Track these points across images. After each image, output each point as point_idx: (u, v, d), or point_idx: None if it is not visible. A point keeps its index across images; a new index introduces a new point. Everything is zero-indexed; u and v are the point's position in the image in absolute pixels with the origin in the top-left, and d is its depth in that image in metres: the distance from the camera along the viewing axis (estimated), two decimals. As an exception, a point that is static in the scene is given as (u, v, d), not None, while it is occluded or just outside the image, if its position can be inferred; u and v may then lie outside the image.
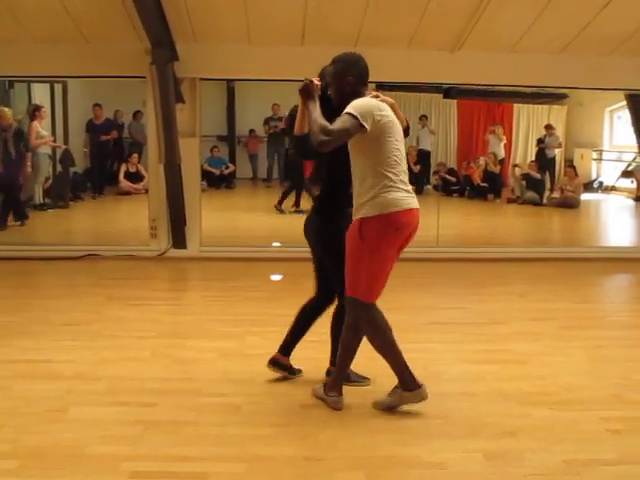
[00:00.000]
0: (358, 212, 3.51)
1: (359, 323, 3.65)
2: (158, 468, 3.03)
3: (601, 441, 3.36)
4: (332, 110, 3.49)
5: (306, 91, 3.53)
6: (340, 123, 3.38)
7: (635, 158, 13.59)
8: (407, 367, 3.64)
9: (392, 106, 3.62)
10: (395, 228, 3.48)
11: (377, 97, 3.59)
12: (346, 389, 3.81)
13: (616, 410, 3.74)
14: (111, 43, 6.97)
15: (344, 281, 3.61)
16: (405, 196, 3.49)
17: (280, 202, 11.09)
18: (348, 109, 3.42)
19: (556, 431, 3.45)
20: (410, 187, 3.57)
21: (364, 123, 3.39)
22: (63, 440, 3.26)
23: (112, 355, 4.47)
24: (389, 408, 3.65)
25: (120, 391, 3.87)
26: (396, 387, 3.68)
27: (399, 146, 3.53)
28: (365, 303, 3.58)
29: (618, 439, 3.39)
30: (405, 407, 3.68)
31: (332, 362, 3.99)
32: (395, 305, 5.77)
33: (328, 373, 4.01)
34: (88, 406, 3.67)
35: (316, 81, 3.62)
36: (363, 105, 3.46)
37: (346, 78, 3.61)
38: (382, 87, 14.38)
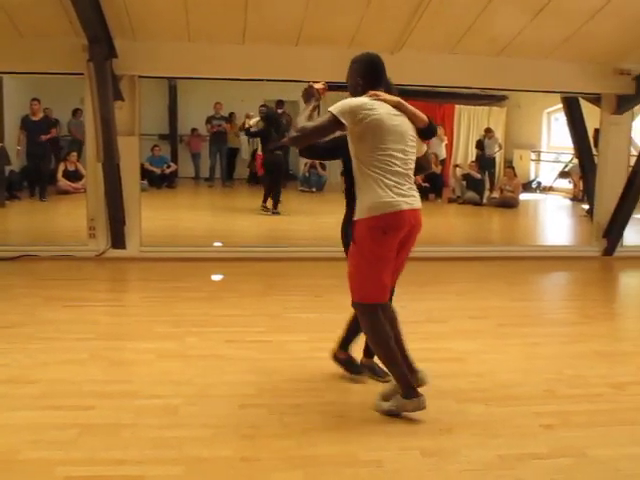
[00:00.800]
0: (354, 215, 3.54)
1: (362, 328, 3.72)
2: (93, 472, 2.98)
3: (534, 436, 3.44)
4: None
5: (305, 94, 3.66)
6: (317, 121, 3.45)
7: (572, 159, 13.94)
8: (406, 375, 3.60)
9: (398, 106, 3.55)
10: (382, 231, 3.44)
11: (375, 96, 3.53)
12: (287, 389, 3.82)
13: (549, 405, 3.84)
14: (47, 38, 6.78)
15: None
16: (393, 197, 3.42)
17: (264, 201, 11.14)
18: (330, 107, 3.45)
19: (491, 427, 3.51)
20: (407, 187, 3.49)
21: (342, 119, 3.40)
22: (-5, 446, 3.19)
23: (48, 358, 4.37)
24: (388, 413, 3.59)
25: (56, 395, 3.79)
26: (397, 392, 3.62)
27: (392, 145, 3.45)
28: (366, 306, 3.61)
29: (550, 433, 3.48)
30: (341, 407, 3.70)
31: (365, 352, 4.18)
32: (335, 304, 5.84)
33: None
34: (21, 410, 3.57)
35: (318, 85, 3.69)
36: (346, 103, 3.48)
37: (356, 79, 3.63)
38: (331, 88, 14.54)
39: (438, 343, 4.86)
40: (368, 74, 3.62)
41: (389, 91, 3.65)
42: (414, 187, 3.57)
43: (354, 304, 3.69)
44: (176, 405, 3.68)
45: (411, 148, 3.55)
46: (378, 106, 3.48)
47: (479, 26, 6.97)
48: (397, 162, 3.47)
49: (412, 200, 3.51)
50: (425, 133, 3.68)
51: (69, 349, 4.57)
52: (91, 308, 5.63)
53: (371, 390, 3.92)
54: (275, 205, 11.08)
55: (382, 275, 3.57)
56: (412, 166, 3.56)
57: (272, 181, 11.24)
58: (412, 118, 3.57)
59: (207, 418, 3.52)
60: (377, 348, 3.69)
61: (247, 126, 12.68)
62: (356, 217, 3.52)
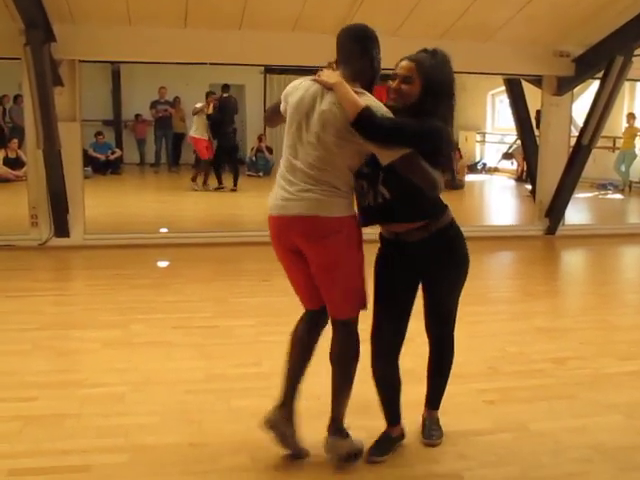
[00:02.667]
0: None
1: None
2: (38, 464, 2.95)
3: (477, 412, 3.53)
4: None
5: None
6: None
7: (516, 140, 14.17)
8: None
9: (335, 89, 2.84)
10: (270, 235, 3.05)
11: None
12: (234, 374, 3.83)
13: (492, 382, 3.93)
14: (-19, 22, 6.60)
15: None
16: (272, 198, 2.96)
17: (195, 179, 12.30)
18: None
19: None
20: (296, 188, 2.85)
21: (281, 104, 3.05)
22: None
23: (-12, 350, 4.30)
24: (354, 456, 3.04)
25: (-3, 387, 3.73)
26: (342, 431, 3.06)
27: (295, 135, 2.89)
28: None
29: (493, 409, 3.57)
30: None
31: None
32: (282, 288, 5.77)
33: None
34: (-38, 404, 3.52)
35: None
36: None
37: None
38: (271, 71, 14.48)
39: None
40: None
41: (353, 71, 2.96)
42: (312, 187, 2.83)
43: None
44: (122, 393, 3.67)
45: (314, 138, 2.84)
46: (299, 88, 2.96)
47: (421, 9, 7.02)
48: (290, 155, 2.91)
49: (284, 203, 2.88)
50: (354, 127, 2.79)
51: (11, 340, 4.50)
52: (34, 298, 5.53)
53: (315, 372, 3.95)
54: (235, 183, 12.27)
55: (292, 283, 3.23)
56: (312, 161, 2.83)
57: (231, 162, 12.55)
58: (345, 105, 2.80)
59: (153, 405, 3.52)
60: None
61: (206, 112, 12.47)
62: None
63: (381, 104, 2.89)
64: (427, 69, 3.01)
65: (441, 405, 3.40)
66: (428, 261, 3.08)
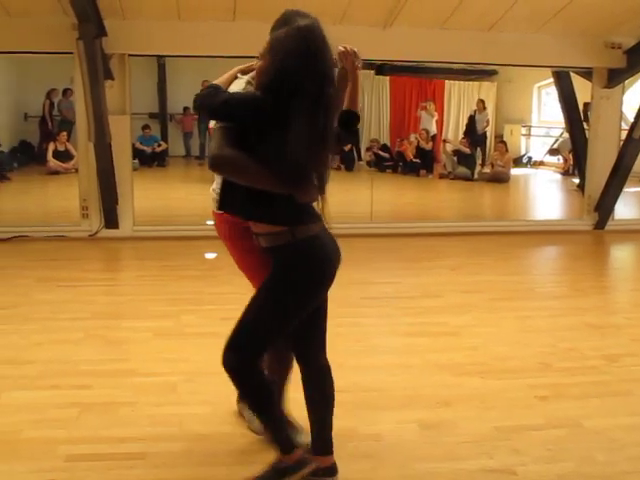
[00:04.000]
0: None
1: None
2: (95, 450, 3.00)
3: (529, 407, 3.49)
4: None
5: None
6: None
7: (562, 134, 13.95)
8: None
9: None
10: None
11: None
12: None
13: (543, 377, 3.88)
14: (36, 17, 6.71)
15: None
16: None
17: None
18: None
19: (487, 399, 3.56)
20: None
21: None
22: (-4, 426, 3.21)
23: (43, 338, 4.38)
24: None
25: (53, 374, 3.80)
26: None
27: None
28: None
29: (545, 405, 3.53)
30: (339, 381, 3.72)
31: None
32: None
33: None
34: (20, 390, 3.59)
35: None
36: None
37: None
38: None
39: (433, 317, 4.90)
40: None
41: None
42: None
43: None
44: (174, 383, 3.71)
45: None
46: None
47: (470, 1, 6.95)
48: None
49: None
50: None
51: (64, 329, 4.58)
52: (85, 288, 5.63)
53: (368, 365, 3.97)
54: None
55: None
56: None
57: None
58: None
59: (205, 395, 3.55)
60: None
61: None
62: None
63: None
64: (273, 42, 2.55)
65: (492, 399, 3.41)
66: None
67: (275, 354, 2.96)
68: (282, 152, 2.39)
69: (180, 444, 3.06)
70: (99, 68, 6.67)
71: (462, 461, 2.99)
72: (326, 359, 2.89)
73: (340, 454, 3.00)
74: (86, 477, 2.82)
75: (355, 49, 2.77)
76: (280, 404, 2.98)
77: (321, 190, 2.61)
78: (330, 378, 2.89)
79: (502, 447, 3.08)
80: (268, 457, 2.95)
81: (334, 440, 2.84)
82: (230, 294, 5.38)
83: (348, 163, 13.73)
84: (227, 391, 3.55)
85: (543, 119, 16.75)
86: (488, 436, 3.17)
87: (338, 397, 3.53)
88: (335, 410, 3.34)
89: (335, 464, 2.80)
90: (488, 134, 15.34)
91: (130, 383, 3.71)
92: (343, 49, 2.76)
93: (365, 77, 14.69)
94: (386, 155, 14.24)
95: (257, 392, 2.69)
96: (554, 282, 6.50)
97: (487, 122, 15.02)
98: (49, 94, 13.41)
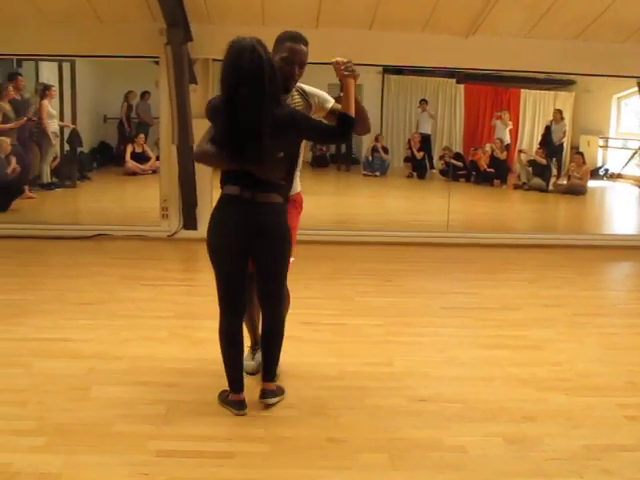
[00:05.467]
0: (296, 188, 3.67)
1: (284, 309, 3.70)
2: (184, 447, 3.07)
3: (619, 427, 3.40)
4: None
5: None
6: None
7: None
8: None
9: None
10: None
11: None
12: (366, 372, 3.88)
13: (632, 397, 3.78)
14: (125, 23, 6.92)
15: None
16: None
17: None
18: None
19: (574, 416, 3.49)
20: None
21: None
22: (88, 418, 3.30)
23: (130, 335, 4.50)
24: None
25: (141, 371, 3.90)
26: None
27: None
28: None
29: (635, 425, 3.43)
30: (423, 391, 3.72)
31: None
32: (406, 289, 5.89)
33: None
34: (110, 385, 3.70)
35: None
36: None
37: None
38: (389, 71, 14.48)
39: (514, 331, 4.82)
40: None
41: None
42: None
43: (285, 287, 3.65)
44: (257, 385, 3.74)
45: None
46: None
47: (556, 9, 6.83)
48: None
49: None
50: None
51: (149, 327, 4.70)
52: (167, 287, 5.77)
53: (450, 376, 3.95)
54: None
55: None
56: None
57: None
58: None
59: (290, 398, 3.58)
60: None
61: None
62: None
63: None
64: None
65: (578, 416, 3.36)
66: None
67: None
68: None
69: (267, 445, 3.10)
70: (185, 72, 6.83)
71: (551, 478, 2.93)
72: (279, 308, 3.56)
73: (426, 463, 3.01)
74: (176, 472, 2.88)
75: (344, 60, 3.28)
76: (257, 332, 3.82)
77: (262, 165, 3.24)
78: (279, 322, 3.57)
79: (592, 467, 3.01)
80: (355, 463, 2.98)
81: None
82: (308, 299, 5.45)
83: (420, 171, 13.66)
84: (310, 395, 3.62)
85: (621, 130, 16.33)
86: (577, 454, 3.11)
87: (421, 406, 3.56)
88: (419, 419, 3.35)
89: (275, 389, 3.54)
90: (564, 145, 15.03)
91: (215, 383, 3.74)
92: (335, 61, 3.28)
93: (440, 85, 14.64)
94: (459, 164, 14.10)
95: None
96: (635, 299, 6.31)
97: (564, 133, 14.72)
98: (126, 96, 13.74)
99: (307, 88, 3.63)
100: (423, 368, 4.05)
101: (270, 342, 3.55)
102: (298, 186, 3.70)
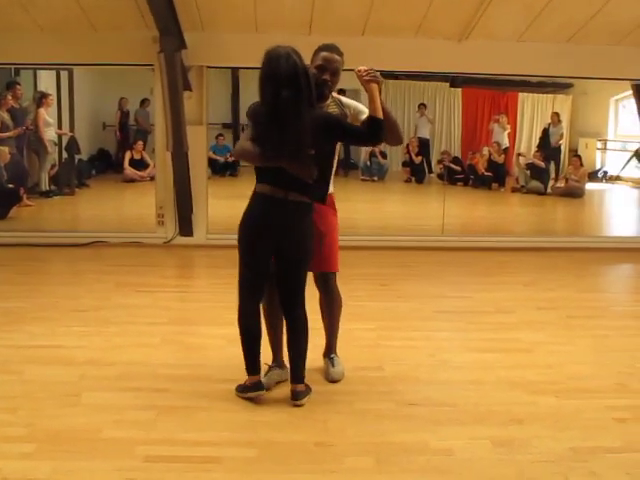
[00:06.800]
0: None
1: (335, 295, 3.96)
2: (172, 452, 3.08)
3: (607, 429, 3.41)
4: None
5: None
6: None
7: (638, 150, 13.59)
8: None
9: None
10: None
11: None
12: (356, 377, 3.90)
13: (621, 399, 3.79)
14: (119, 31, 6.97)
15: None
16: None
17: None
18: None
19: (562, 419, 3.50)
20: None
21: None
22: (78, 424, 3.32)
23: (123, 341, 4.52)
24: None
25: (132, 377, 3.92)
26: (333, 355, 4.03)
27: None
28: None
29: (624, 427, 3.44)
30: (412, 395, 3.73)
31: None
32: (400, 293, 5.90)
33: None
34: (101, 391, 3.72)
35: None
36: None
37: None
38: (387, 76, 14.52)
39: (506, 334, 4.84)
40: None
41: None
42: None
43: (332, 274, 3.93)
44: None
45: None
46: None
47: (548, 13, 6.86)
48: None
49: None
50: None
51: (142, 333, 4.71)
52: (162, 294, 5.79)
53: (440, 380, 3.96)
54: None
55: None
56: None
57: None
58: None
59: (278, 402, 3.61)
60: (340, 305, 4.01)
61: None
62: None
63: None
64: None
65: (567, 419, 3.38)
66: None
67: (269, 310, 3.83)
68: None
69: (255, 450, 3.11)
70: (179, 80, 6.87)
71: (535, 481, 2.95)
72: (300, 312, 3.68)
73: (412, 467, 3.02)
74: (164, 478, 2.90)
75: (365, 67, 3.51)
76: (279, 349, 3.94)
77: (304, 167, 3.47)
78: (304, 327, 3.68)
79: (579, 469, 3.02)
80: (341, 467, 2.99)
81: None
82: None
83: (418, 175, 13.69)
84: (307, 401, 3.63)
85: (620, 132, 16.33)
86: (564, 457, 3.11)
87: (410, 410, 3.58)
88: (407, 423, 3.37)
89: (304, 390, 3.64)
90: (562, 148, 15.05)
91: (206, 388, 3.79)
92: (357, 70, 3.51)
93: (438, 89, 14.67)
94: (457, 168, 14.12)
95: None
96: (631, 301, 6.34)
97: (561, 135, 14.75)
98: (119, 103, 13.80)
99: (344, 99, 3.84)
100: (413, 372, 4.07)
101: (297, 346, 3.69)
102: (331, 187, 3.91)
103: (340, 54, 3.67)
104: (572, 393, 3.83)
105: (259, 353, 3.70)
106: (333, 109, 3.75)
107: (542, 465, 3.05)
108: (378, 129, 3.48)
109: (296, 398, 3.61)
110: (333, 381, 3.89)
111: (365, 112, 3.64)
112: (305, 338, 3.67)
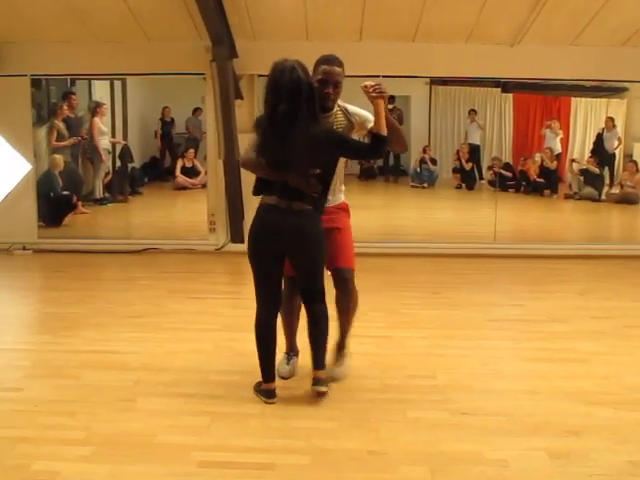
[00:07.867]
0: (340, 198, 3.98)
1: (352, 293, 3.98)
2: (226, 458, 3.11)
3: (668, 442, 3.32)
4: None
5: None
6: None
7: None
8: None
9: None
10: None
11: None
12: (409, 385, 3.88)
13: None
14: (172, 41, 7.09)
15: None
16: None
17: None
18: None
19: (621, 431, 3.42)
20: None
21: None
22: (133, 429, 3.38)
23: (176, 347, 4.59)
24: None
25: (186, 383, 3.97)
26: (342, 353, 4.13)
27: None
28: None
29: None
30: (466, 404, 3.69)
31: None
32: (452, 301, 5.85)
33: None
34: (156, 397, 3.77)
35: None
36: None
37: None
38: (436, 82, 14.44)
39: (561, 343, 4.75)
40: None
41: None
42: None
43: (351, 270, 3.95)
44: (300, 396, 3.78)
45: None
46: None
47: (603, 16, 6.73)
48: None
49: None
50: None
51: (195, 339, 4.78)
52: (214, 300, 5.85)
53: (494, 389, 3.91)
54: None
55: None
56: None
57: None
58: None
59: (333, 410, 3.61)
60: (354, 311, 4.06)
61: None
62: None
63: None
64: None
65: (626, 431, 3.32)
66: None
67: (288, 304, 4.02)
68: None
69: (307, 457, 3.11)
70: (230, 88, 6.94)
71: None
72: (321, 305, 3.79)
73: (466, 477, 2.99)
74: (217, 484, 2.93)
75: (371, 83, 3.55)
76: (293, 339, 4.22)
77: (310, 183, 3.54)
78: (324, 318, 3.79)
79: (640, 481, 2.95)
80: (395, 476, 2.97)
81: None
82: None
83: (469, 182, 13.56)
84: (353, 408, 3.63)
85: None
86: (622, 470, 3.04)
87: (464, 419, 3.54)
88: (461, 433, 3.34)
89: (326, 377, 3.79)
90: (617, 153, 14.74)
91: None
92: (363, 85, 3.55)
93: (488, 94, 14.51)
94: (509, 174, 13.94)
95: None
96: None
97: (619, 140, 14.45)
98: (162, 112, 13.96)
99: (350, 108, 3.83)
100: (466, 381, 4.02)
101: (317, 335, 3.79)
102: (342, 197, 3.98)
103: (340, 65, 3.69)
104: (630, 405, 3.74)
105: (273, 364, 3.82)
106: (340, 119, 3.77)
107: (600, 478, 2.98)
108: (381, 146, 3.57)
109: (317, 384, 3.73)
110: (331, 379, 3.91)
111: (371, 120, 3.66)
112: (326, 327, 3.79)
